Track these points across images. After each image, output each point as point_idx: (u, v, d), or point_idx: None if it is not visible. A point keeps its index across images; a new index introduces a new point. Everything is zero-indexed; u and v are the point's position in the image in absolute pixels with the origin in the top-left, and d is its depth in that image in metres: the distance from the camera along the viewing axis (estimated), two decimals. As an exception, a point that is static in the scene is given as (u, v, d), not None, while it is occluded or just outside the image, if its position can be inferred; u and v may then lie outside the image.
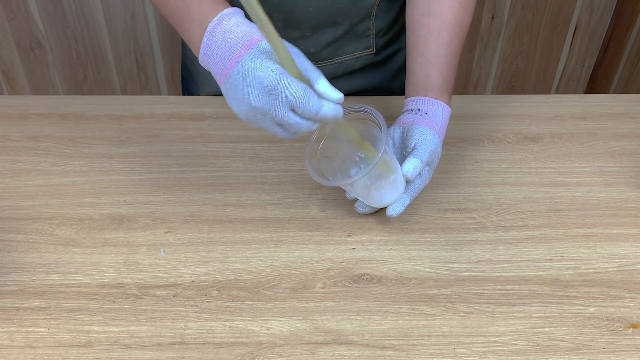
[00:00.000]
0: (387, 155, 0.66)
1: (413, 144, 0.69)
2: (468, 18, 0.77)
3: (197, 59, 0.91)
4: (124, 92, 1.84)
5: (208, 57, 0.59)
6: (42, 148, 0.82)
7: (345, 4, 0.85)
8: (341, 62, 0.93)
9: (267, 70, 0.55)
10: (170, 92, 1.85)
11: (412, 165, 0.67)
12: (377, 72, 0.97)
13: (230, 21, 0.59)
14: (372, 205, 0.70)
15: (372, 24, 0.91)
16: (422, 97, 0.73)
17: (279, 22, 0.87)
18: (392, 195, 0.68)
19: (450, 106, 0.74)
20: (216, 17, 0.59)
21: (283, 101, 0.56)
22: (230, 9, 0.60)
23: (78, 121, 0.87)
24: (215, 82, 0.93)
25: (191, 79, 0.99)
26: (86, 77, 1.79)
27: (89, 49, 1.73)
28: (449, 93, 0.75)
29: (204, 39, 0.59)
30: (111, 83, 1.81)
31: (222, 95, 0.95)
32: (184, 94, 1.04)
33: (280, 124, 0.59)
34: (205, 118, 0.88)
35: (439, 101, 0.73)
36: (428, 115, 0.72)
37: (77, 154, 0.81)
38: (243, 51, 0.57)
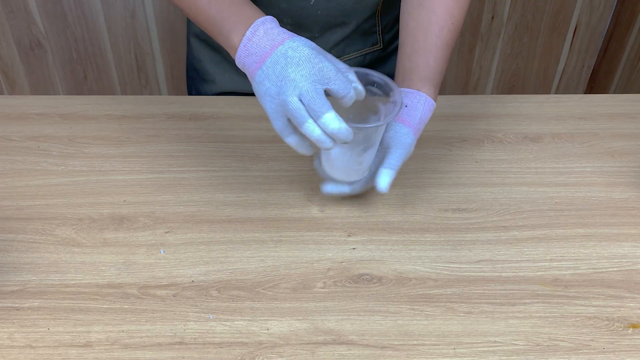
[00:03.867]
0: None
1: (386, 142, 0.69)
2: (460, 11, 0.76)
3: (205, 59, 0.94)
4: (124, 92, 1.83)
5: (248, 47, 0.63)
6: (42, 148, 0.82)
7: (352, 5, 0.86)
8: (350, 59, 0.95)
9: (309, 46, 0.60)
10: (170, 92, 1.85)
11: (387, 178, 0.67)
12: (385, 66, 0.99)
13: (272, 23, 0.64)
14: (335, 176, 0.70)
15: (378, 20, 0.93)
16: (405, 89, 0.73)
17: (288, 25, 0.88)
18: (358, 169, 0.68)
19: (435, 98, 0.73)
20: (260, 19, 0.63)
21: (318, 73, 0.59)
22: (270, 17, 0.64)
23: (78, 121, 0.87)
24: (222, 80, 0.95)
25: (200, 78, 1.00)
26: (86, 77, 1.79)
27: (89, 49, 1.73)
28: (435, 84, 0.74)
29: (247, 33, 0.62)
30: (111, 83, 1.81)
31: (224, 95, 0.97)
32: (190, 94, 1.05)
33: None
34: (205, 118, 0.88)
35: (421, 93, 0.72)
36: (408, 108, 0.71)
37: (77, 154, 0.81)
38: (286, 38, 0.61)
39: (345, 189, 0.71)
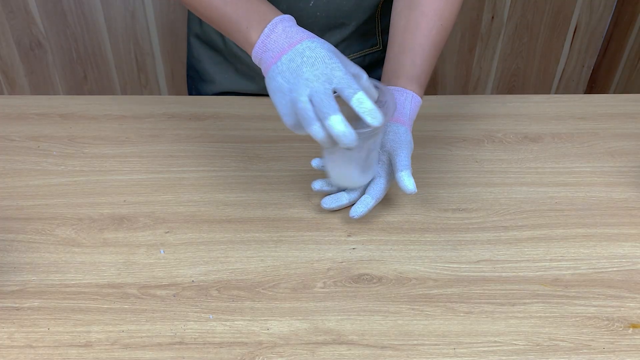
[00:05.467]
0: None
1: (389, 145, 0.70)
2: (451, 12, 0.76)
3: (205, 59, 0.94)
4: (124, 92, 1.84)
5: (266, 43, 0.63)
6: (42, 148, 0.82)
7: (352, 6, 0.86)
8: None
9: (326, 48, 0.61)
10: (170, 92, 1.85)
11: (410, 179, 0.68)
12: None
13: (290, 22, 0.64)
14: (339, 183, 0.71)
15: (378, 22, 0.93)
16: (392, 87, 0.74)
17: None
18: (360, 176, 0.68)
19: (421, 96, 0.74)
20: (278, 17, 0.64)
21: (330, 73, 0.59)
22: (288, 16, 0.65)
23: (78, 121, 0.87)
24: (222, 80, 0.95)
25: (199, 78, 1.00)
26: (86, 77, 1.79)
27: (89, 49, 1.73)
28: (420, 83, 0.74)
29: (265, 30, 0.63)
30: (111, 83, 1.81)
31: (223, 95, 0.97)
32: (190, 94, 1.05)
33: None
34: (205, 118, 0.88)
35: (407, 90, 0.73)
36: (397, 105, 0.71)
37: (77, 154, 0.81)
38: (305, 37, 0.62)
39: (343, 201, 0.71)
